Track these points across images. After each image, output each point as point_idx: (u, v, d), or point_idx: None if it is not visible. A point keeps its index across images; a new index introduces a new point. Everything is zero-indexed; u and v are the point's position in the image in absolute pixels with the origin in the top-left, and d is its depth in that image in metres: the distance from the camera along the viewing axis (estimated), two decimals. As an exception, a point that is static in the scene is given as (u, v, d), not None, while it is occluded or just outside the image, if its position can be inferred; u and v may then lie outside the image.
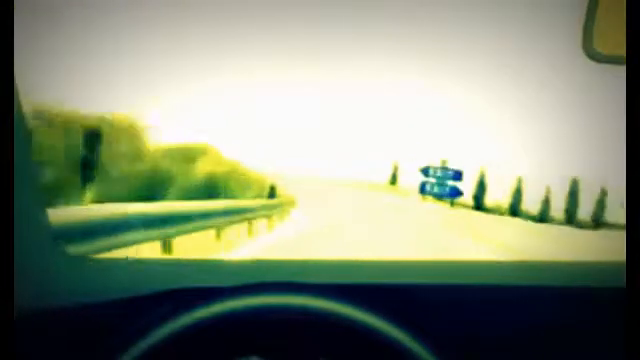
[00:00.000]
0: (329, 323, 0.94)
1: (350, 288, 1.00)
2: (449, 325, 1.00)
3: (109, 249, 4.67)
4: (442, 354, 0.96)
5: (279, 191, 16.47)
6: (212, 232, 7.90)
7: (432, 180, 15.76)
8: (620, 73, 0.91)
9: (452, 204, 17.16)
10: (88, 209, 5.57)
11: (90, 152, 8.98)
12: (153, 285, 0.98)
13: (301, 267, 1.11)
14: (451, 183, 15.52)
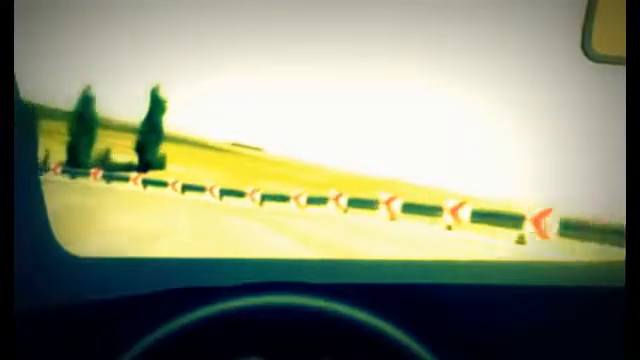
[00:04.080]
0: (329, 323, 0.94)
1: (350, 288, 1.00)
2: (449, 325, 1.00)
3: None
4: (442, 354, 0.96)
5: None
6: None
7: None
8: (620, 73, 0.91)
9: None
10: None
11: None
12: (153, 285, 0.98)
13: (301, 267, 1.11)
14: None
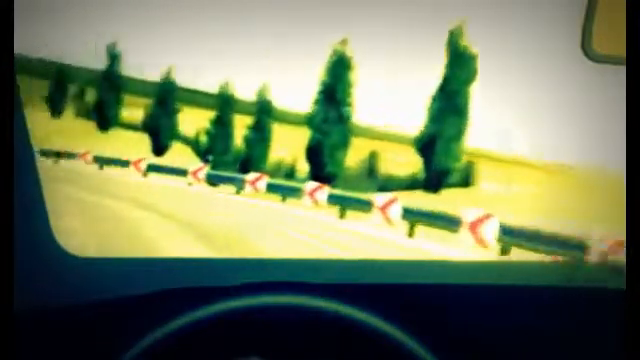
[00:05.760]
0: (329, 323, 0.94)
1: (350, 288, 1.00)
2: (449, 325, 1.00)
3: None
4: (442, 354, 0.96)
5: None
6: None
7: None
8: (620, 73, 0.91)
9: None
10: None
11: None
12: (153, 285, 0.98)
13: (302, 267, 1.11)
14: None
